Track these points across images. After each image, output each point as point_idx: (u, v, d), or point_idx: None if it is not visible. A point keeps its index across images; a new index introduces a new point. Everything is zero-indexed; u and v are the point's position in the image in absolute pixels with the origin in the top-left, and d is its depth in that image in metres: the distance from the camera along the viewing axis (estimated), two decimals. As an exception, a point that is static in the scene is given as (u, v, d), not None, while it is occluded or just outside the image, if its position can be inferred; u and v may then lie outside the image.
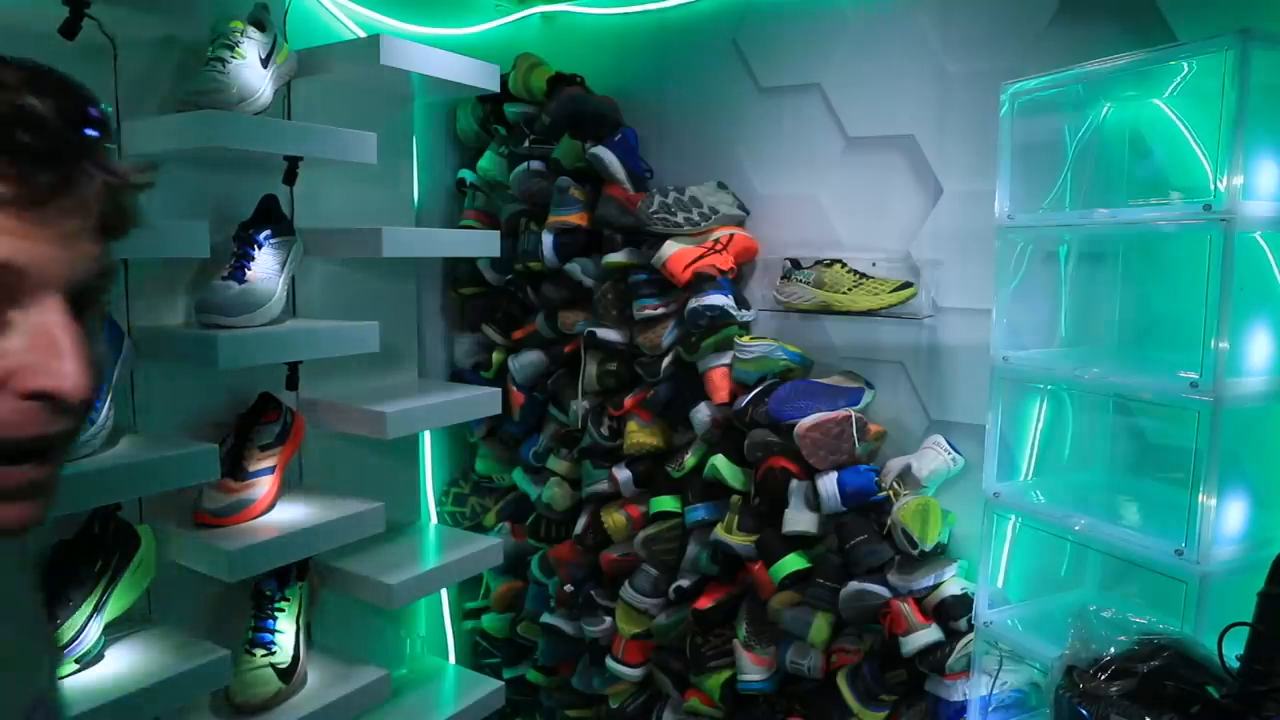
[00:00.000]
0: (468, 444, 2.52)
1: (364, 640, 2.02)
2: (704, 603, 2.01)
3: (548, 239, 2.15)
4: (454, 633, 2.50)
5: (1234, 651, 0.96)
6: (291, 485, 1.81)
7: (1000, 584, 1.69)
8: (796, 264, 1.95)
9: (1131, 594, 1.58)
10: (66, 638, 1.33)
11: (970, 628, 1.69)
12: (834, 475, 1.80)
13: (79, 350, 0.54)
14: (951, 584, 1.79)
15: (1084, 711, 0.96)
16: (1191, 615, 1.29)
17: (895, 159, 1.90)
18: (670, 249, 1.95)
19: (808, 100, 2.00)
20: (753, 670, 1.94)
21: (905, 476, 1.78)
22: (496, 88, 2.03)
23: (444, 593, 2.44)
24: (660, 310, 2.02)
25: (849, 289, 1.84)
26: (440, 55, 1.81)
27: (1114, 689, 0.96)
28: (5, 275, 0.52)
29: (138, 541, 1.46)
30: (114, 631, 1.44)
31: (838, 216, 1.99)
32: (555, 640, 2.34)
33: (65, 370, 0.53)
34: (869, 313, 1.82)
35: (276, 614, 1.69)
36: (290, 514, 1.67)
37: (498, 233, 2.08)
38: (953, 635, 1.74)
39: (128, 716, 1.31)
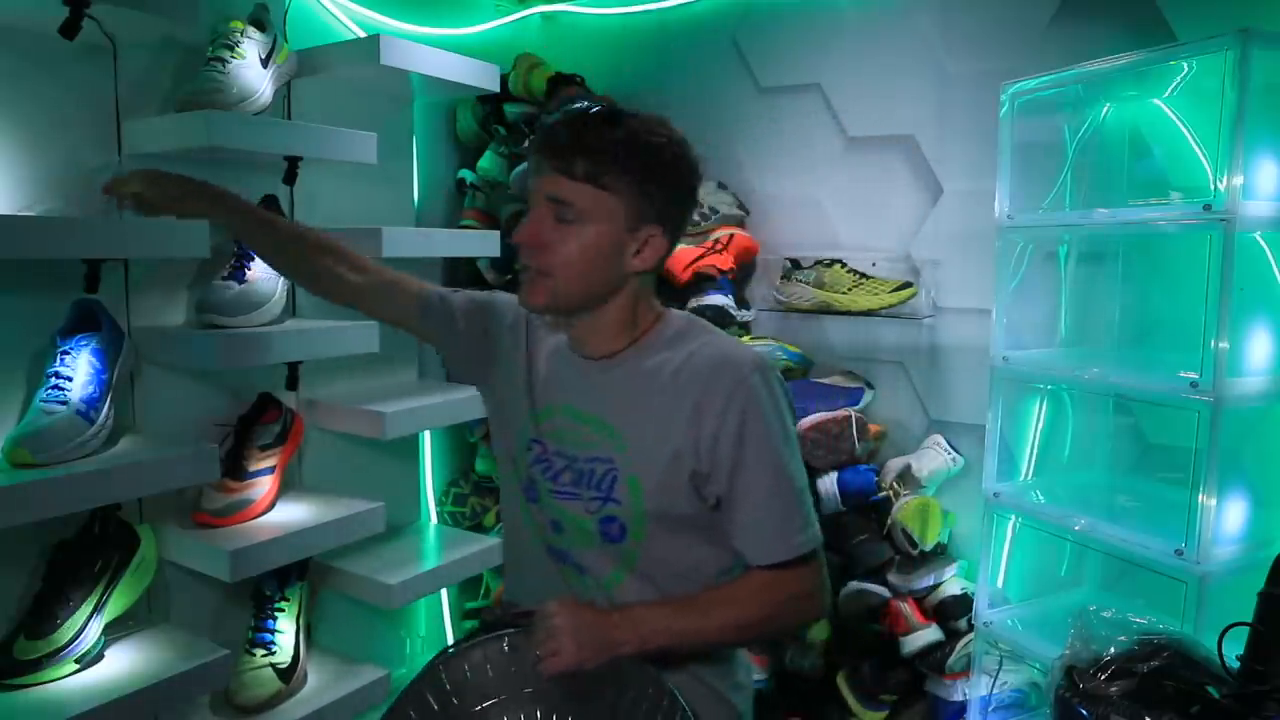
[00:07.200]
0: (468, 444, 2.51)
1: (364, 640, 2.02)
2: (704, 603, 2.00)
3: (548, 239, 2.14)
4: (454, 633, 2.50)
5: (1234, 651, 0.96)
6: (291, 485, 1.80)
7: (1000, 584, 1.69)
8: (796, 264, 1.95)
9: (1131, 594, 1.58)
10: (66, 638, 1.32)
11: (970, 628, 1.69)
12: (834, 475, 1.80)
13: None
14: (951, 584, 1.79)
15: (1084, 711, 0.96)
16: (1191, 615, 1.29)
17: (895, 159, 1.90)
18: (670, 249, 1.95)
19: (808, 100, 2.00)
20: (752, 669, 1.94)
21: (905, 476, 1.78)
22: (496, 88, 2.02)
23: (444, 593, 2.43)
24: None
25: (849, 289, 1.84)
26: (440, 55, 1.80)
27: (1114, 689, 0.95)
28: None
29: (138, 541, 1.46)
30: (114, 631, 1.44)
31: (838, 216, 1.99)
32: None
33: None
34: (869, 313, 1.82)
35: (276, 614, 1.68)
36: (290, 514, 1.67)
37: (498, 233, 2.07)
38: (953, 635, 1.74)
39: (128, 716, 1.30)
